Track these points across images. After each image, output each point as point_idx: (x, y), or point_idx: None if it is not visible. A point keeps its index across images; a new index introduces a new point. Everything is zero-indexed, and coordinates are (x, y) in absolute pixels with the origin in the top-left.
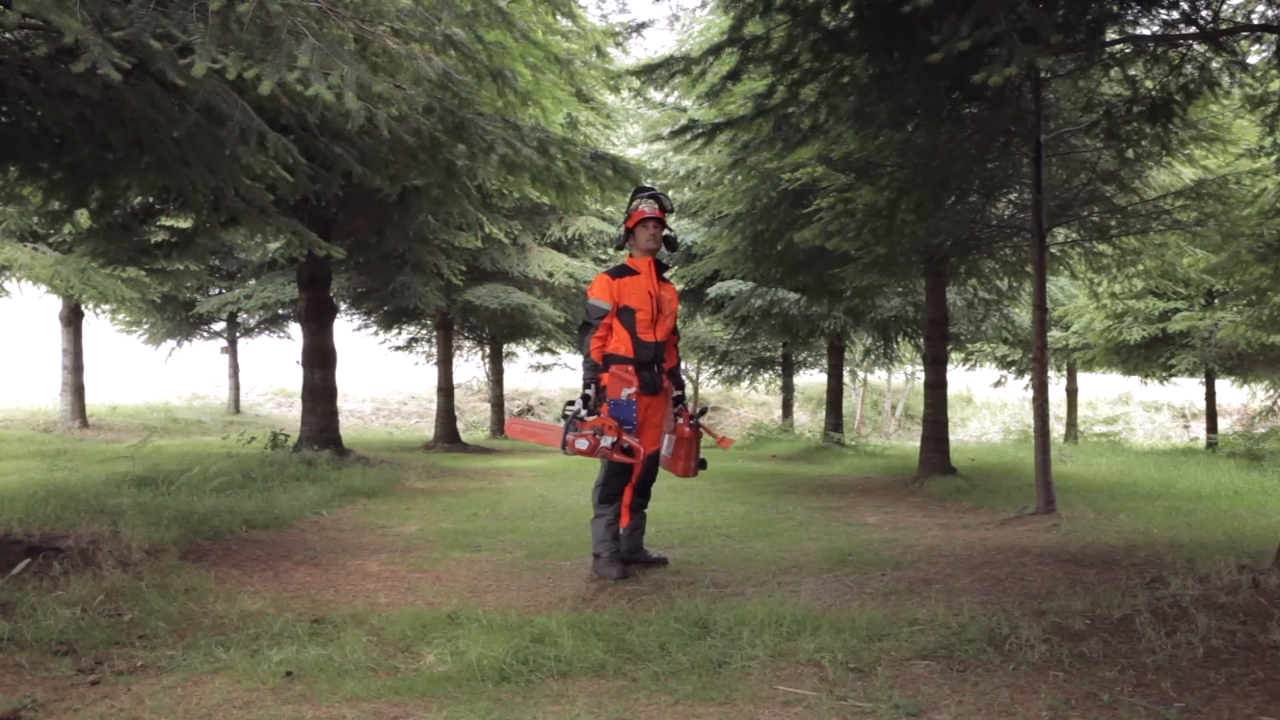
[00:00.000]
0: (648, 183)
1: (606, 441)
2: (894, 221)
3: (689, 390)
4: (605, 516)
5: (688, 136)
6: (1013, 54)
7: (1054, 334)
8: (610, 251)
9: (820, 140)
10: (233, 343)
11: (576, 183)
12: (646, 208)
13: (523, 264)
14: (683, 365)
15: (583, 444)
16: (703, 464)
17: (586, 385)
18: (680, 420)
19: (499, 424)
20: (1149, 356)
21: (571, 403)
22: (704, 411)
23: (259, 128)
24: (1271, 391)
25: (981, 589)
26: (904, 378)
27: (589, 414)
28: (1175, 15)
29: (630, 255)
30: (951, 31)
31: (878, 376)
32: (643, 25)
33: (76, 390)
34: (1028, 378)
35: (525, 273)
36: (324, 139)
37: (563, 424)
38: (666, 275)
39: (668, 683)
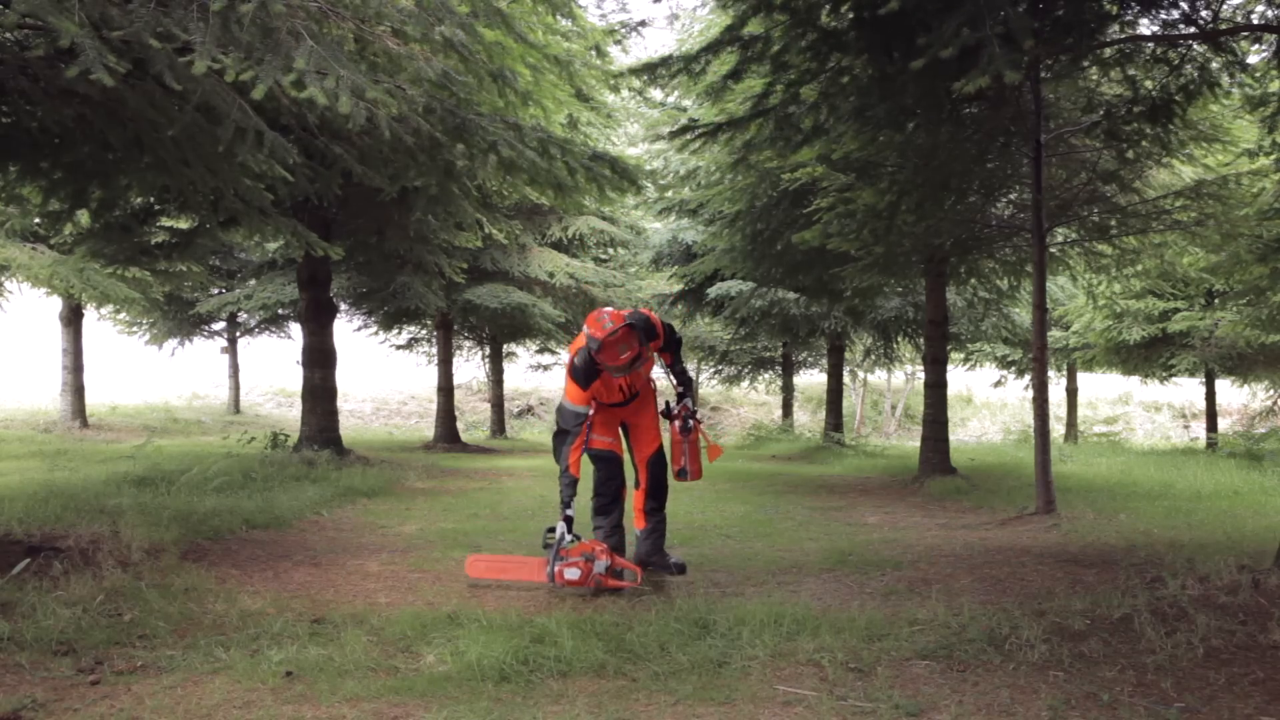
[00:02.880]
0: (607, 309)
1: (600, 566)
2: (894, 221)
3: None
4: (602, 529)
5: (688, 136)
6: (991, 61)
7: (1054, 334)
8: (610, 250)
9: (821, 140)
10: (233, 343)
11: (575, 183)
12: (617, 358)
13: (523, 264)
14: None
15: (573, 574)
16: (683, 473)
17: (566, 504)
18: (674, 421)
19: (499, 424)
20: (1149, 356)
21: (551, 529)
22: (693, 414)
23: (257, 126)
24: (1271, 391)
25: (981, 589)
26: (904, 378)
27: (572, 538)
28: (1175, 15)
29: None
30: (937, 37)
31: (878, 376)
32: (641, 24)
33: (76, 390)
34: (1028, 378)
35: (526, 273)
36: (323, 139)
37: (546, 553)
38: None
39: (668, 683)
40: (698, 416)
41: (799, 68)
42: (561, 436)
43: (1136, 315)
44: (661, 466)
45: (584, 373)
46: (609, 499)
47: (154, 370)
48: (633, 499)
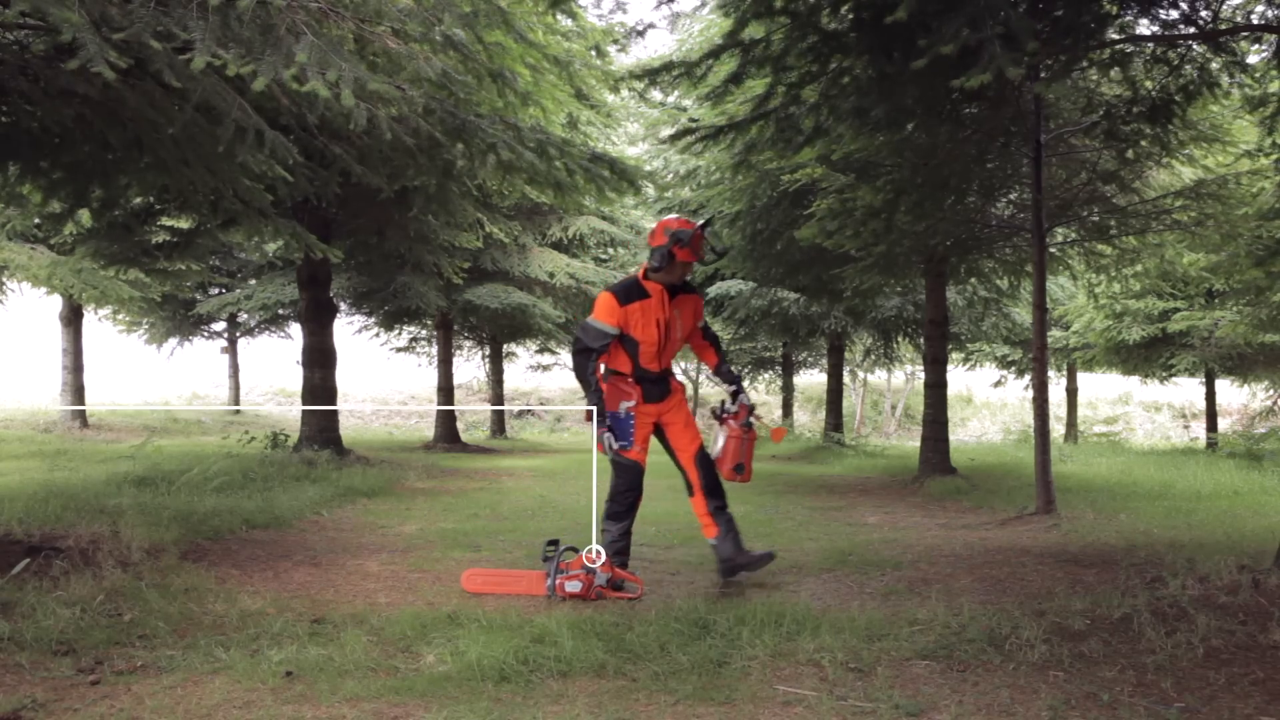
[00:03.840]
0: (673, 215)
1: (601, 579)
2: (893, 221)
3: (689, 390)
4: (610, 534)
5: (690, 139)
6: (992, 59)
7: (1054, 334)
8: (610, 251)
9: (822, 141)
10: (233, 343)
11: (574, 184)
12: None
13: (523, 264)
14: (682, 365)
15: (575, 586)
16: (739, 469)
17: (602, 418)
18: (732, 419)
19: (499, 424)
20: (1149, 356)
21: (552, 543)
22: (753, 410)
23: (256, 125)
24: (1271, 391)
25: (981, 589)
26: (904, 378)
27: (570, 550)
28: (1174, 15)
29: (647, 275)
30: (940, 37)
31: (878, 376)
32: (644, 29)
33: (76, 390)
34: (1028, 378)
35: (526, 273)
36: (322, 139)
37: (546, 565)
38: (689, 281)
39: (668, 683)
40: (756, 414)
41: (800, 70)
42: (584, 355)
43: (1136, 315)
44: (710, 461)
45: (625, 290)
46: (623, 508)
47: (154, 370)
48: (693, 506)
